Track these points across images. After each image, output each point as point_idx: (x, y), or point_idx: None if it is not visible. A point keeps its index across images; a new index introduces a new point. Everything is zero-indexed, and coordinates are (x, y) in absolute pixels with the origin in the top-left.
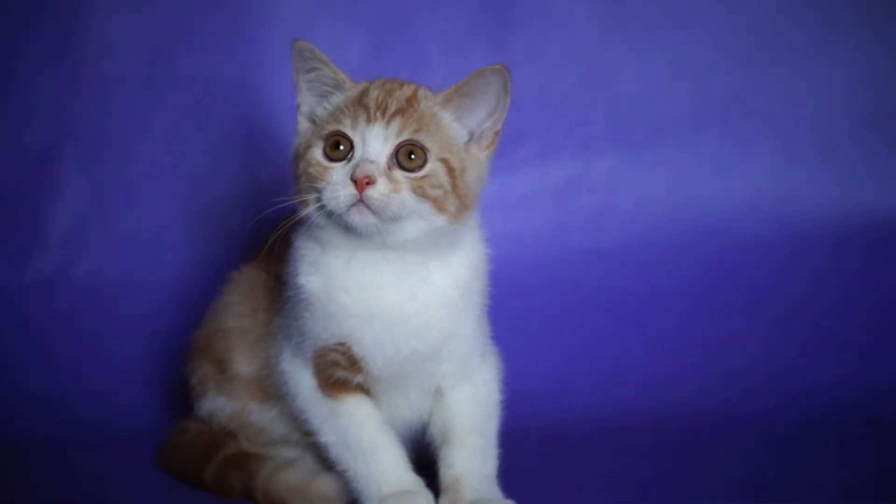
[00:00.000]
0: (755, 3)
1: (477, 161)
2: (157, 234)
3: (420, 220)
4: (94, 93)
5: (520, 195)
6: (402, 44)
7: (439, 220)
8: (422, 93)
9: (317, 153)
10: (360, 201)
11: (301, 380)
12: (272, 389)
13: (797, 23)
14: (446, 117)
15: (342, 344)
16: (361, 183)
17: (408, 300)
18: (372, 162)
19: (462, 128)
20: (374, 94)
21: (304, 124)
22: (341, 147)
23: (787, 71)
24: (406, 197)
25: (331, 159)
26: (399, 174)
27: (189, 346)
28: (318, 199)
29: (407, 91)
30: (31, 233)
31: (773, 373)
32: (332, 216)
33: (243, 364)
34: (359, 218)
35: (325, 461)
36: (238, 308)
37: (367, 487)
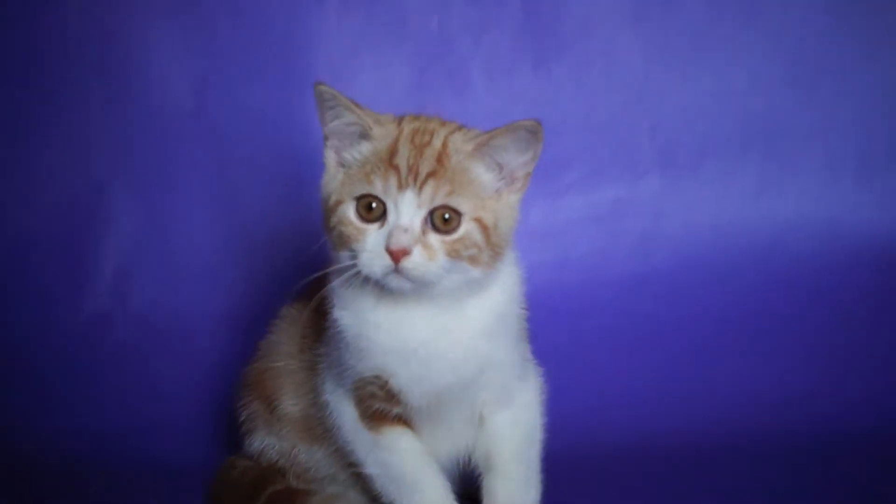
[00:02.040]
0: (797, 24)
1: (508, 206)
2: (210, 267)
3: (456, 274)
4: (144, 127)
5: (565, 220)
6: (446, 68)
7: (475, 273)
8: (452, 146)
9: (349, 212)
10: (397, 270)
11: (344, 411)
12: (318, 429)
13: (839, 43)
14: (477, 169)
15: (378, 377)
16: (397, 255)
17: (441, 334)
18: (406, 230)
19: (493, 178)
20: (405, 152)
21: (331, 158)
22: (374, 207)
23: (829, 91)
24: (442, 263)
25: (364, 220)
26: (433, 238)
27: (240, 382)
28: (353, 257)
29: (437, 145)
30: (84, 269)
31: (822, 397)
32: (368, 279)
33: (290, 404)
34: (396, 284)
35: (370, 495)
36: (285, 347)
37: None
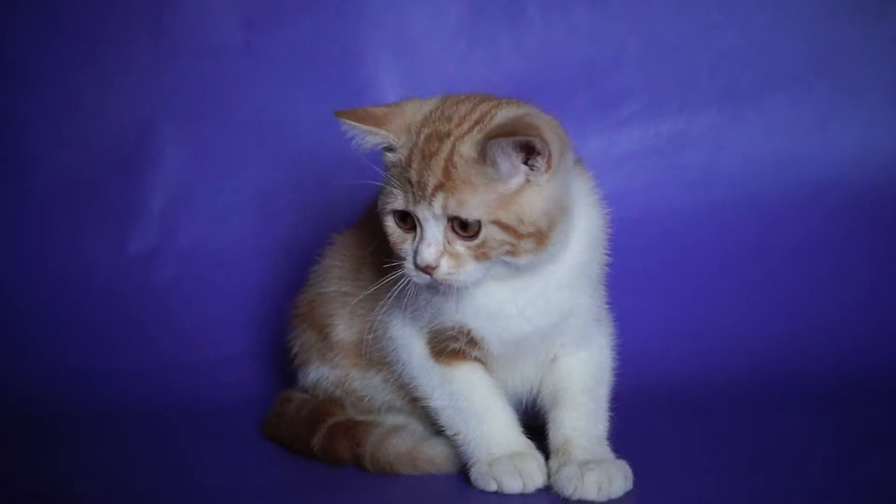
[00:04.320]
0: None
1: (539, 193)
2: (259, 201)
3: (500, 266)
4: (192, 64)
5: (624, 153)
6: (501, 2)
7: (522, 261)
8: (458, 154)
9: (390, 222)
10: (434, 280)
11: (413, 346)
12: (373, 355)
13: None
14: (488, 172)
15: (460, 328)
16: (426, 270)
17: (522, 290)
18: (430, 245)
19: (511, 173)
20: (416, 165)
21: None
22: (407, 220)
23: (894, 18)
24: (471, 268)
25: (403, 229)
26: (460, 246)
27: (290, 312)
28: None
29: (444, 154)
30: (132, 206)
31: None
32: None
33: (342, 329)
34: (441, 288)
35: (432, 426)
36: (339, 272)
37: (478, 450)
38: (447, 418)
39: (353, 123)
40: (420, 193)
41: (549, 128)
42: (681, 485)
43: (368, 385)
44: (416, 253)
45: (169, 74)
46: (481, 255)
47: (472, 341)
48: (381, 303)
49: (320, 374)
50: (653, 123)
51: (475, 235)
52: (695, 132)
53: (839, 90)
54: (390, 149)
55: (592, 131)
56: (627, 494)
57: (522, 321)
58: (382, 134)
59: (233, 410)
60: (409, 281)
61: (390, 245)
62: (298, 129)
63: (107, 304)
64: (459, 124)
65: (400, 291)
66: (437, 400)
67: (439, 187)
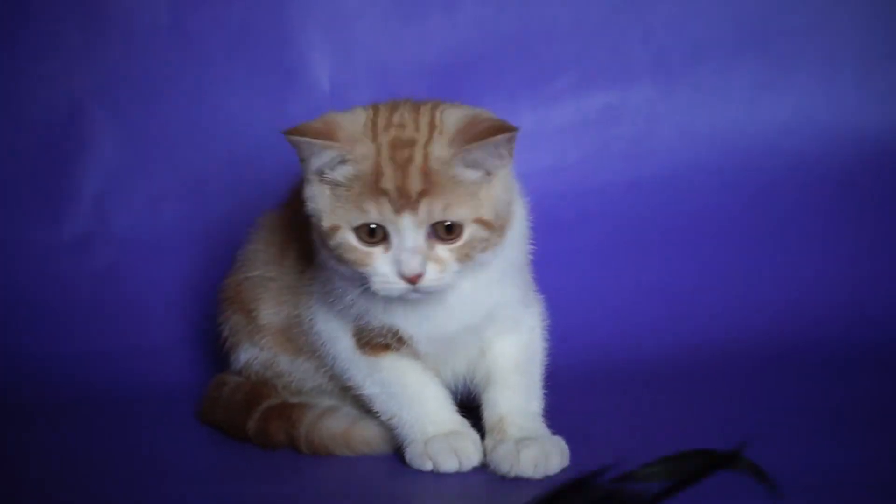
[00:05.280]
0: None
1: (501, 182)
2: (193, 186)
3: (470, 268)
4: (121, 43)
5: (556, 128)
6: None
7: (488, 256)
8: (434, 157)
9: (350, 238)
10: (415, 289)
11: (340, 340)
12: (302, 341)
13: None
14: (462, 171)
15: (389, 327)
16: (412, 280)
17: (452, 290)
18: (414, 253)
19: (485, 167)
20: (390, 174)
21: (312, 178)
22: (376, 233)
23: None
24: (454, 270)
25: (368, 244)
26: (441, 250)
27: (219, 295)
28: (362, 276)
29: (419, 160)
30: (63, 190)
31: (823, 301)
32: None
33: (270, 313)
34: (415, 297)
35: (366, 408)
36: (264, 256)
37: (412, 431)
38: (380, 404)
39: (309, 140)
40: (402, 202)
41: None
42: (619, 461)
43: (298, 370)
44: (398, 263)
45: (97, 56)
46: (464, 255)
47: (400, 339)
48: (306, 299)
49: (250, 355)
50: (586, 97)
51: (458, 237)
52: (629, 105)
53: (770, 60)
54: (342, 161)
55: (525, 106)
56: (564, 471)
57: (452, 320)
58: (337, 146)
59: (169, 396)
60: (336, 278)
61: (340, 260)
62: (230, 111)
63: (38, 290)
64: (417, 130)
65: (324, 287)
66: (369, 388)
67: (423, 194)
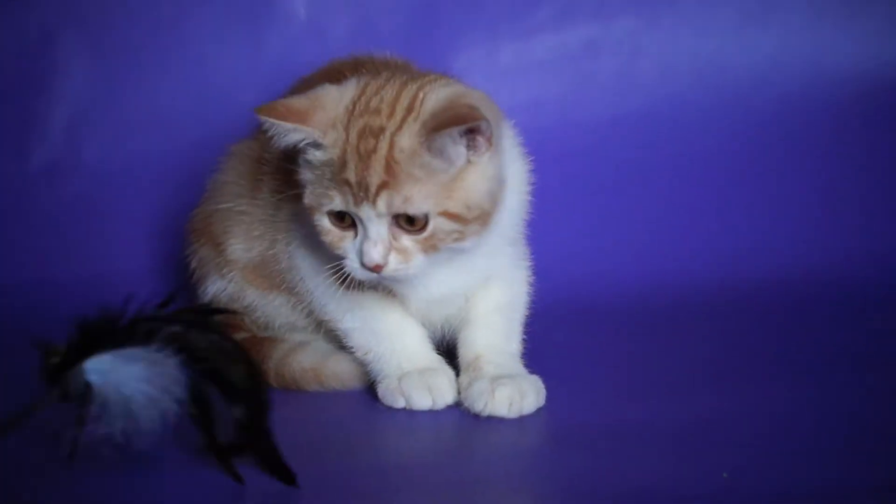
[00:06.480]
0: None
1: (480, 172)
2: (164, 116)
3: (445, 254)
4: None
5: (537, 61)
6: None
7: (467, 244)
8: (398, 148)
9: (325, 223)
10: (381, 277)
11: (320, 274)
12: (277, 279)
13: None
14: (430, 161)
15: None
16: (374, 269)
17: (446, 262)
18: (375, 244)
19: (451, 160)
20: (352, 165)
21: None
22: (344, 219)
23: None
24: (419, 260)
25: (340, 228)
26: (406, 240)
27: (187, 226)
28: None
29: (383, 150)
30: (33, 119)
31: (804, 238)
32: None
33: (240, 248)
34: (386, 283)
35: (337, 343)
36: (235, 188)
37: (388, 365)
38: (358, 338)
39: (276, 121)
40: (362, 194)
41: (484, 104)
42: (596, 401)
43: (269, 305)
44: (361, 253)
45: None
46: (429, 247)
47: (389, 292)
48: (285, 235)
49: (218, 287)
50: (567, 29)
51: (422, 229)
52: (610, 38)
53: None
54: (316, 145)
55: (505, 39)
56: (539, 411)
57: (442, 286)
58: (307, 131)
59: None
60: (321, 227)
61: (325, 244)
62: (204, 39)
63: (8, 218)
64: (391, 116)
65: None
66: (348, 322)
67: (383, 186)
